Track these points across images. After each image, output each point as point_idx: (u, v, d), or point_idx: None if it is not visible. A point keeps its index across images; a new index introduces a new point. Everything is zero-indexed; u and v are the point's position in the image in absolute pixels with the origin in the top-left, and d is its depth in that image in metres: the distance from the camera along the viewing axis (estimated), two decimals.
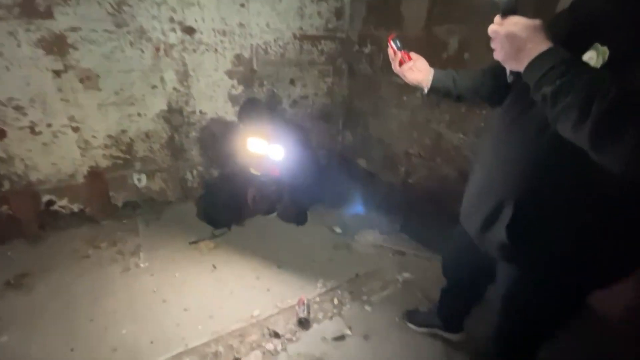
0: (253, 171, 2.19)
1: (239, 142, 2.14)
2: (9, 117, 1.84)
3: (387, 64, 1.10)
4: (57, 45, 1.81)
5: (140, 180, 2.31)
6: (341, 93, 2.84)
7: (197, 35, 2.14)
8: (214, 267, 1.92)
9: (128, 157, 2.23)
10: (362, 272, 1.93)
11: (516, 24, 0.64)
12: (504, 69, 0.73)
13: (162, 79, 2.14)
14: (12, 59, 1.75)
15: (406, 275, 1.93)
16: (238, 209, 2.24)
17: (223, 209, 2.23)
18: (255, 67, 2.41)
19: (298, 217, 2.31)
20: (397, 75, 1.10)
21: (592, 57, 0.63)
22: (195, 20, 2.10)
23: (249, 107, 2.17)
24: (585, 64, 0.61)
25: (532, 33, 0.62)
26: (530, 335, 0.96)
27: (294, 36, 2.46)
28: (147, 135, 2.23)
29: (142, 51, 2.02)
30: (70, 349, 1.42)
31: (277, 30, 2.38)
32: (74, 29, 1.82)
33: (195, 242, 2.10)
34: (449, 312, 1.46)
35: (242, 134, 2.13)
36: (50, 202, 2.12)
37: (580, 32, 0.68)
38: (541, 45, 0.62)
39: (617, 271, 0.79)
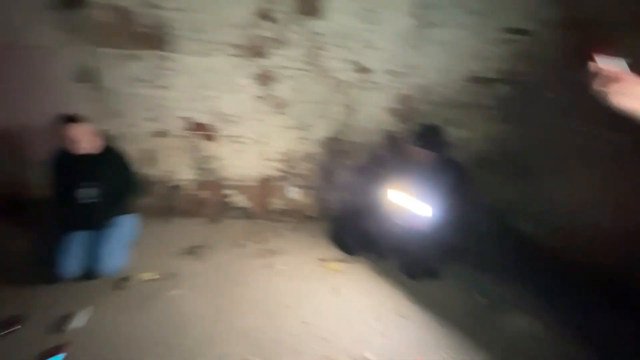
0: (396, 220, 2.12)
1: (385, 175, 2.16)
2: (221, 127, 2.47)
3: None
4: (264, 78, 2.34)
5: (293, 193, 2.65)
6: (510, 141, 2.49)
7: (369, 75, 2.34)
8: (337, 290, 1.94)
9: (290, 171, 2.60)
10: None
11: None
12: None
13: (332, 111, 2.43)
14: (233, 85, 2.36)
15: None
16: (371, 243, 2.22)
17: (355, 238, 2.27)
18: (416, 105, 2.42)
19: (425, 272, 2.09)
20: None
21: None
22: (371, 62, 2.31)
23: (429, 130, 2.07)
24: None
25: None
26: None
27: (464, 78, 2.36)
28: (309, 156, 2.55)
29: (324, 86, 2.36)
30: (214, 319, 1.69)
31: (446, 71, 2.35)
32: (279, 67, 2.31)
33: (324, 260, 2.20)
34: None
35: (391, 169, 2.14)
36: (229, 195, 2.67)
37: None
38: None
39: None
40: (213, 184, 2.63)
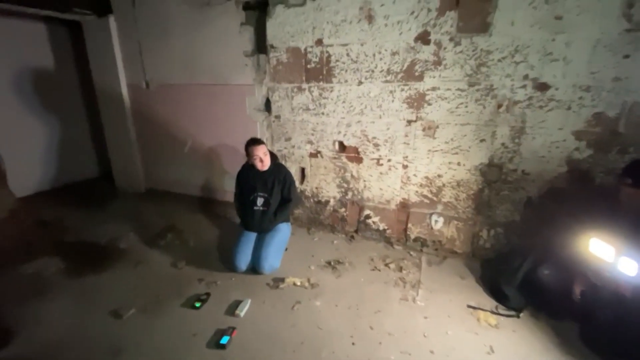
0: (591, 277, 1.63)
1: (575, 217, 1.69)
2: (369, 150, 2.54)
3: None
4: (417, 101, 2.28)
5: (437, 223, 2.44)
6: None
7: (549, 92, 1.95)
8: (492, 349, 1.62)
9: (434, 199, 2.41)
10: None
11: None
12: None
13: (493, 134, 2.13)
14: (386, 109, 2.39)
15: None
16: (543, 297, 1.77)
17: (519, 287, 1.86)
18: (620, 129, 1.85)
19: (623, 351, 1.48)
20: None
21: None
22: (554, 76, 1.92)
23: None
24: None
25: None
26: None
27: None
28: (459, 183, 2.31)
29: (484, 107, 2.11)
30: (352, 342, 1.68)
31: None
32: (434, 89, 2.21)
33: (474, 308, 1.89)
34: None
35: (584, 211, 1.66)
36: (368, 216, 2.70)
37: None
38: None
39: None
40: (355, 203, 2.72)
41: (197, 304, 1.91)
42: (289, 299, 1.98)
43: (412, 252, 2.49)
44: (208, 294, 2.00)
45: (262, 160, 2.22)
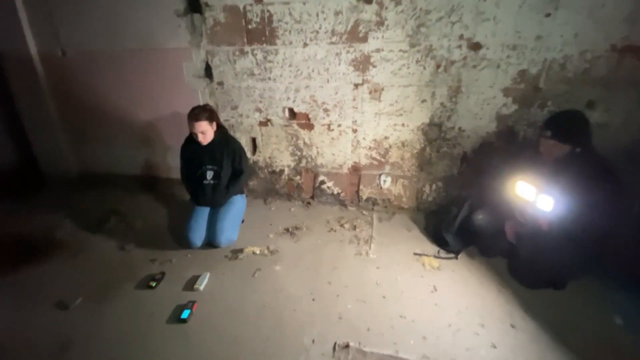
0: (515, 216, 1.86)
1: (502, 166, 1.90)
2: (319, 116, 2.53)
3: None
4: (362, 64, 2.29)
5: (385, 182, 2.57)
6: None
7: (482, 51, 2.07)
8: (435, 288, 1.83)
9: (382, 160, 2.52)
10: None
11: None
12: None
13: (433, 94, 2.24)
14: (333, 73, 2.37)
15: None
16: (476, 238, 2.01)
17: (457, 232, 2.08)
18: (541, 84, 2.05)
19: (544, 282, 1.78)
20: None
21: None
22: (486, 36, 2.03)
23: (567, 118, 1.72)
24: None
25: None
26: None
27: (613, 48, 1.89)
28: (404, 144, 2.43)
29: (424, 68, 2.19)
30: (312, 299, 1.78)
31: (587, 41, 1.90)
32: (378, 50, 2.22)
33: (419, 255, 2.09)
34: None
35: (509, 160, 1.87)
36: (322, 182, 2.76)
37: None
38: None
39: None
40: (309, 170, 2.74)
41: (153, 284, 1.86)
42: (248, 268, 2.01)
43: (364, 212, 2.63)
44: (163, 273, 1.94)
45: (204, 134, 2.11)
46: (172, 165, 2.95)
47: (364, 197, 2.69)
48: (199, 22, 2.44)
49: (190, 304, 1.69)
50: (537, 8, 1.91)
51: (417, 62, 2.19)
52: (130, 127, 2.97)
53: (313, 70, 2.39)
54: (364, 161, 2.58)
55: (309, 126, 2.58)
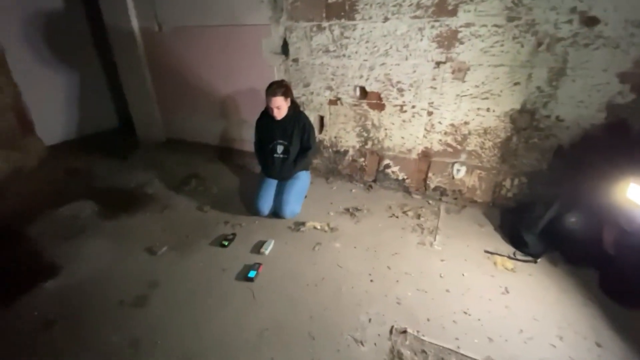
0: (623, 223, 1.59)
1: (608, 164, 1.62)
2: (392, 96, 2.42)
3: None
4: (448, 40, 2.10)
5: (459, 172, 2.39)
6: None
7: (598, 27, 1.75)
8: (507, 290, 1.68)
9: (459, 147, 2.34)
10: None
11: None
12: None
13: (529, 76, 1.98)
14: (413, 50, 2.23)
15: None
16: (564, 243, 1.78)
17: (540, 234, 1.86)
18: None
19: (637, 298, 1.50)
20: None
21: None
22: (605, 10, 1.70)
23: None
24: None
25: None
26: None
27: None
28: (486, 131, 2.21)
29: (522, 45, 1.93)
30: (370, 279, 1.77)
31: None
32: (467, 25, 2.02)
33: (491, 253, 1.93)
34: None
35: (618, 158, 1.58)
36: (387, 166, 2.68)
37: None
38: None
39: None
40: (375, 153, 2.68)
41: (225, 243, 2.03)
42: (309, 241, 2.07)
43: (430, 201, 2.50)
44: (234, 234, 2.11)
45: (279, 109, 2.17)
46: (246, 138, 3.14)
47: (432, 186, 2.55)
48: None
49: (256, 266, 1.82)
50: None
51: (514, 38, 1.94)
52: (212, 100, 3.22)
53: (391, 47, 2.28)
54: (436, 147, 2.42)
55: (380, 106, 2.49)
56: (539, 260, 1.84)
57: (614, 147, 1.79)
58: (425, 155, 2.49)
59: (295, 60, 2.64)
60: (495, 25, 1.95)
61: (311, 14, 2.44)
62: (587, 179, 1.71)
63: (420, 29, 2.16)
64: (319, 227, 2.19)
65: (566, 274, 1.76)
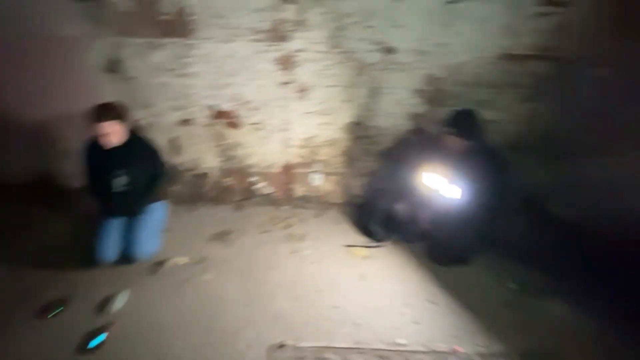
0: (426, 204, 2.08)
1: (415, 160, 2.10)
2: (246, 114, 2.46)
3: (628, 89, 0.78)
4: (287, 63, 2.29)
5: (316, 180, 2.63)
6: (545, 121, 2.36)
7: (395, 56, 2.25)
8: (365, 276, 1.94)
9: (313, 158, 2.58)
10: (537, 349, 1.51)
11: None
12: None
13: (354, 94, 2.37)
14: (258, 71, 2.33)
15: None
16: (398, 228, 2.19)
17: (381, 223, 2.24)
18: (445, 87, 2.32)
19: (454, 259, 2.04)
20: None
21: None
22: (398, 42, 2.22)
23: (462, 116, 1.97)
24: None
25: None
26: None
27: (497, 56, 2.23)
28: (332, 142, 2.52)
29: (347, 69, 2.29)
30: (246, 303, 1.73)
31: (477, 48, 2.22)
32: (301, 50, 2.26)
33: (349, 246, 2.20)
34: None
35: (421, 154, 2.07)
36: (253, 182, 2.69)
37: None
38: None
39: None
40: (238, 171, 2.65)
41: (55, 311, 1.58)
42: (174, 281, 1.86)
43: (298, 210, 2.65)
44: (66, 298, 1.67)
45: (110, 135, 1.84)
46: (71, 172, 2.55)
47: (298, 196, 2.71)
48: (101, 9, 2.16)
49: (101, 331, 1.49)
50: (440, 19, 2.15)
51: (340, 63, 2.28)
52: (20, 127, 2.48)
53: (237, 68, 2.31)
54: (295, 160, 2.60)
55: (235, 125, 2.49)
56: (385, 244, 2.21)
57: (418, 146, 2.35)
58: (287, 168, 2.63)
59: (130, 80, 2.34)
60: (323, 52, 2.25)
61: (145, 31, 2.21)
62: (403, 172, 2.18)
63: (261, 52, 2.27)
64: (184, 262, 1.99)
65: (405, 252, 2.18)
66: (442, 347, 1.48)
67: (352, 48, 2.24)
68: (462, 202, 1.82)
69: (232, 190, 2.71)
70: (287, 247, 2.19)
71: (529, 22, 2.14)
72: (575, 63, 2.14)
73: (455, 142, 1.89)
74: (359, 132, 2.49)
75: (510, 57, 2.23)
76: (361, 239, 2.28)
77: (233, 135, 2.52)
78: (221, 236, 2.29)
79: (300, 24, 2.19)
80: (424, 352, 1.47)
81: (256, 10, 2.16)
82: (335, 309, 1.70)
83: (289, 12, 2.16)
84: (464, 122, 1.90)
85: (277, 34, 2.22)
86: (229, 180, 2.69)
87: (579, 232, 1.96)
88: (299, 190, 2.69)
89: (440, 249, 2.05)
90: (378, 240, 2.23)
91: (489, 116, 2.34)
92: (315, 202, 2.71)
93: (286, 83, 2.34)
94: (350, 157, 2.57)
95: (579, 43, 2.11)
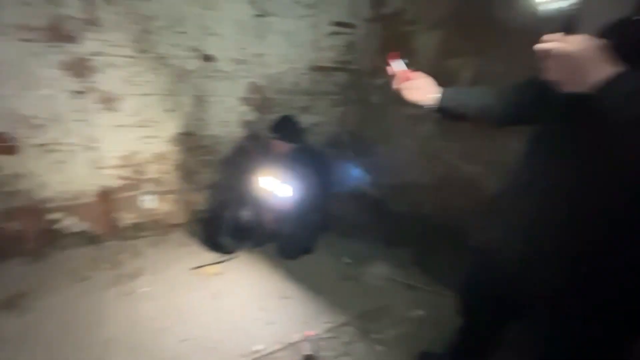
0: (267, 206, 2.15)
1: (252, 166, 2.14)
2: (25, 135, 1.87)
3: (398, 95, 1.08)
4: (80, 68, 1.88)
5: (149, 202, 2.30)
6: (352, 122, 2.87)
7: (215, 63, 2.21)
8: (216, 295, 1.83)
9: (139, 178, 2.23)
10: (372, 308, 1.83)
11: (579, 42, 0.60)
12: (526, 90, 0.73)
13: (178, 103, 2.19)
14: (38, 78, 1.81)
15: (419, 312, 1.82)
16: (245, 235, 2.18)
17: (228, 234, 2.18)
18: (269, 95, 2.46)
19: (301, 250, 2.22)
20: (408, 105, 1.08)
21: None
22: (215, 49, 2.19)
23: (284, 121, 2.18)
24: None
25: (598, 53, 0.59)
26: None
27: (308, 67, 2.55)
28: (160, 157, 2.25)
29: (163, 76, 2.09)
30: None
31: (292, 60, 2.46)
32: (97, 54, 1.89)
33: (198, 268, 2.03)
34: (466, 354, 1.34)
35: (256, 160, 2.13)
36: (56, 221, 2.09)
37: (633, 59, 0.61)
38: (610, 66, 0.58)
39: None
40: (27, 210, 1.99)
41: None
42: None
43: (128, 242, 2.24)
44: None
45: None
46: None
47: (125, 225, 2.28)
48: None
49: None
50: (253, 30, 2.26)
51: (153, 69, 2.05)
52: None
53: (4, 75, 1.72)
54: (114, 183, 2.17)
55: (10, 149, 1.85)
56: (238, 254, 2.16)
57: (254, 151, 2.41)
58: (105, 194, 2.16)
59: None
60: (129, 56, 1.97)
61: None
62: (245, 179, 2.19)
63: (38, 55, 1.77)
64: None
65: (259, 256, 2.19)
66: (296, 337, 1.57)
67: (166, 53, 2.06)
68: (295, 198, 1.99)
69: (24, 237, 2.02)
70: (117, 291, 1.81)
71: (327, 39, 2.55)
72: (363, 74, 2.69)
73: (280, 145, 2.04)
74: (192, 143, 2.32)
75: (319, 69, 2.60)
76: (211, 256, 2.15)
77: (9, 163, 1.87)
78: (11, 303, 1.67)
79: (91, 23, 1.83)
80: (281, 350, 1.52)
81: (25, 3, 1.67)
82: (184, 342, 1.52)
83: (73, 9, 1.78)
84: (285, 127, 2.08)
85: (59, 33, 1.78)
86: (15, 225, 1.98)
87: (383, 206, 2.50)
88: (127, 218, 2.27)
89: (287, 244, 2.17)
90: (229, 252, 2.16)
91: (311, 120, 2.67)
92: (152, 229, 2.36)
93: (82, 92, 1.91)
94: (187, 171, 2.37)
95: (363, 58, 2.67)
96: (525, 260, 0.80)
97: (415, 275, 2.10)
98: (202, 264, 2.05)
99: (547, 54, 0.63)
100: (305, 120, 2.65)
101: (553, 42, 0.62)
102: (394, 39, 2.45)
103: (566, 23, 0.64)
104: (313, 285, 1.95)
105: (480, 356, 1.31)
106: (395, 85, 1.05)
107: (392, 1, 2.46)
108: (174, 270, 2.00)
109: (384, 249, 2.30)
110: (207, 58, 2.18)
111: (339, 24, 2.54)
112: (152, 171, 2.26)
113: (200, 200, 2.48)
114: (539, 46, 0.65)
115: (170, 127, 2.22)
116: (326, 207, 2.20)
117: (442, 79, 1.03)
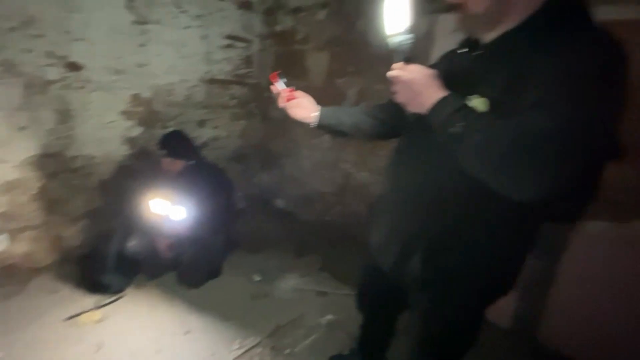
0: (162, 232, 1.92)
1: (139, 188, 1.89)
2: None
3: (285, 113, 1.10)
4: None
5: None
6: (255, 135, 2.84)
7: (84, 73, 1.91)
8: (100, 345, 1.54)
9: None
10: (283, 322, 1.80)
11: (416, 71, 0.74)
12: (389, 109, 0.85)
13: (35, 119, 1.80)
14: None
15: (330, 317, 1.87)
16: (137, 266, 1.90)
17: (116, 269, 1.87)
18: (156, 108, 2.25)
19: (205, 276, 2.03)
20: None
21: (477, 105, 0.70)
22: (83, 57, 1.89)
23: (173, 137, 1.98)
24: (476, 110, 0.69)
25: (430, 80, 0.73)
26: (449, 356, 1.00)
27: (202, 79, 2.42)
28: (11, 186, 1.80)
29: (11, 87, 1.69)
30: None
31: (182, 72, 2.31)
32: None
33: (73, 317, 1.67)
34: (369, 348, 1.44)
35: (144, 181, 1.89)
36: None
37: (456, 84, 0.75)
38: (438, 91, 0.72)
39: (510, 284, 0.90)
40: None
41: None
42: None
43: None
44: None
45: None
46: None
47: None
48: None
49: None
50: (129, 37, 2.03)
51: None
52: None
53: None
54: None
55: None
56: (125, 293, 1.86)
57: (142, 172, 2.15)
58: None
59: None
60: None
61: None
62: (131, 204, 1.92)
63: None
64: None
65: (154, 290, 1.94)
66: None
67: (15, 60, 1.68)
68: (192, 220, 1.84)
69: None
70: None
71: (221, 52, 2.47)
72: (263, 88, 2.71)
73: (169, 163, 1.88)
74: (57, 166, 1.94)
75: (214, 81, 2.50)
76: (92, 300, 1.80)
77: None
78: None
79: None
80: None
81: None
82: None
83: None
84: (175, 143, 1.93)
85: None
86: None
87: (291, 217, 2.54)
88: None
89: (188, 271, 1.97)
90: (115, 291, 1.84)
91: (210, 134, 2.54)
92: (7, 276, 1.86)
93: None
94: (52, 200, 1.96)
95: (261, 73, 2.69)
96: (398, 253, 0.91)
97: (324, 281, 2.16)
98: (79, 312, 1.70)
99: (394, 80, 0.75)
100: (203, 134, 2.52)
101: (397, 70, 0.74)
102: (289, 56, 2.55)
103: (407, 54, 0.76)
104: (220, 311, 1.81)
105: (381, 347, 1.42)
106: (280, 104, 1.08)
107: (284, 19, 2.55)
108: (40, 324, 1.60)
109: (293, 259, 2.31)
110: (73, 66, 1.86)
111: (232, 37, 2.50)
112: (1, 204, 1.79)
113: (73, 234, 2.07)
114: (389, 73, 0.76)
115: (24, 148, 1.81)
116: (230, 225, 2.09)
117: (332, 96, 1.10)
